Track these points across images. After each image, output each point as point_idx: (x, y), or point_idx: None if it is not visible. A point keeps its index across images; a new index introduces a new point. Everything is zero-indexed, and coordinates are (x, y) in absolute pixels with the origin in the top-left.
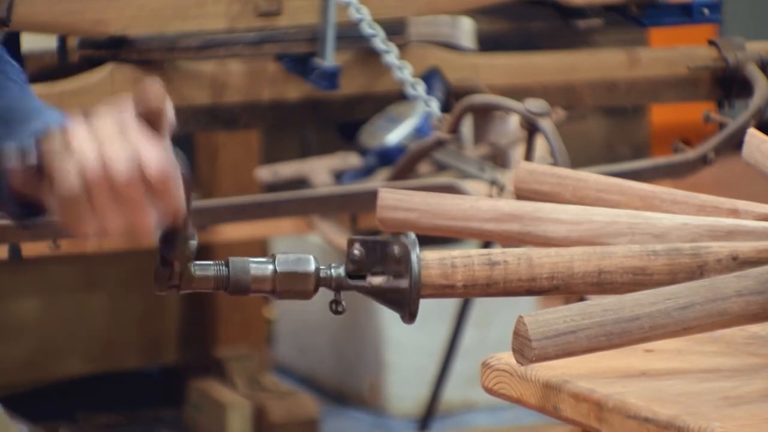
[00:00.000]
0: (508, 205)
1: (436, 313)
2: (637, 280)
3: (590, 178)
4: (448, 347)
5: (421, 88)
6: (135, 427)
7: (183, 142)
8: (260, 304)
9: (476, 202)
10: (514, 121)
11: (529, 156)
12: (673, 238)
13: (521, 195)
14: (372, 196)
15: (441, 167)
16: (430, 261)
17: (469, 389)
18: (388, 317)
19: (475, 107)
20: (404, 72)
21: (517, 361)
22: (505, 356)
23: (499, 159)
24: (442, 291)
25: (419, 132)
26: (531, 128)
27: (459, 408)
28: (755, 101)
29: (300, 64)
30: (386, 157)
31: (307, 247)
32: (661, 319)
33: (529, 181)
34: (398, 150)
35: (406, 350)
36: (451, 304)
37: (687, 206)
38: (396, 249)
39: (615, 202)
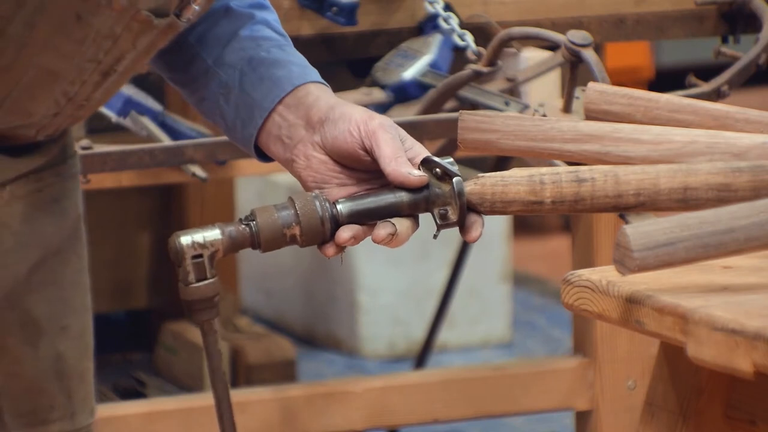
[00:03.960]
0: (588, 125)
1: (408, 254)
2: (721, 197)
3: (662, 98)
4: (446, 287)
5: (454, 22)
6: (106, 370)
7: None
8: None
9: (556, 123)
10: (525, 57)
11: (571, 89)
12: (753, 157)
13: (591, 116)
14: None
15: (464, 103)
16: (519, 178)
17: (440, 331)
18: (360, 259)
19: (514, 39)
20: (436, 6)
21: (618, 272)
22: (586, 272)
23: (514, 94)
24: (531, 207)
25: (434, 67)
26: (574, 59)
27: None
28: (764, 34)
29: (316, 1)
30: (402, 92)
31: (272, 188)
32: (756, 232)
33: (599, 102)
34: (414, 85)
35: (378, 292)
36: (424, 246)
37: (761, 125)
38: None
39: (687, 122)
